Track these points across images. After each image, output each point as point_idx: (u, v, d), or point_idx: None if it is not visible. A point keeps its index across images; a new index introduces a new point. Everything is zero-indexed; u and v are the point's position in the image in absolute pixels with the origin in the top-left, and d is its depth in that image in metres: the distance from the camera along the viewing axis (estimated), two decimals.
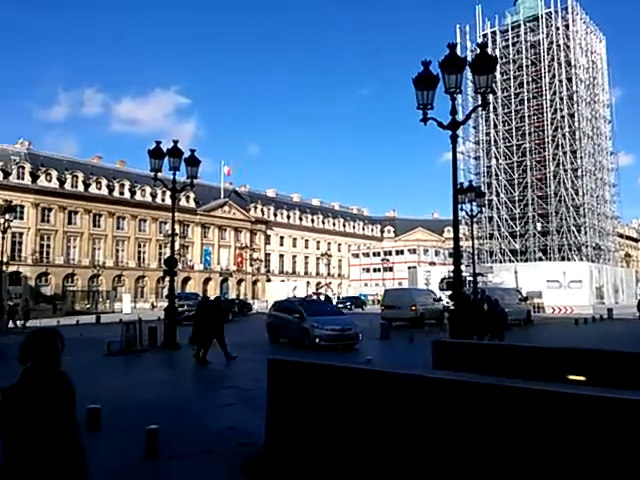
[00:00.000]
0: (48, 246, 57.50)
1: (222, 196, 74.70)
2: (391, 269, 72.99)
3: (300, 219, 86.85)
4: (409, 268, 62.44)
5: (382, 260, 72.52)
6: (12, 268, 50.82)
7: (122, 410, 7.43)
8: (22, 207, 54.10)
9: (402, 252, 77.21)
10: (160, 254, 64.59)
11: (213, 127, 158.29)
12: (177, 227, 22.20)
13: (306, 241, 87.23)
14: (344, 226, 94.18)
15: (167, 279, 20.88)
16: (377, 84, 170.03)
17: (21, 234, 54.57)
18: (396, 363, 11.46)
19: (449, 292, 17.53)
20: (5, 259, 33.55)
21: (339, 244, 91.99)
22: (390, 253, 77.11)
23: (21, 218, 52.84)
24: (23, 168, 56.94)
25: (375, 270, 77.16)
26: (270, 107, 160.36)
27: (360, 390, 4.21)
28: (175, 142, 17.15)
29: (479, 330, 15.15)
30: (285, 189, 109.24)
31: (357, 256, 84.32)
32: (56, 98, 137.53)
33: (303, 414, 4.54)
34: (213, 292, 68.60)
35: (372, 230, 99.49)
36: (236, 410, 7.46)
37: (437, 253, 76.39)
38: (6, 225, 26.14)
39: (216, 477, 4.67)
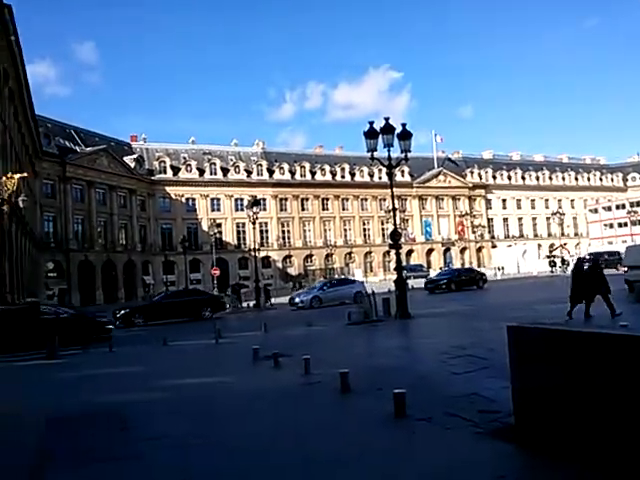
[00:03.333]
0: (288, 232, 65.53)
1: (436, 166, 73.91)
2: None
3: (522, 178, 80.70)
4: None
5: (629, 213, 62.68)
6: (262, 253, 59.63)
7: (366, 373, 8.12)
8: (264, 200, 62.22)
9: None
10: (383, 230, 67.57)
11: (424, 96, 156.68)
12: (395, 202, 22.86)
13: (532, 201, 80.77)
14: (576, 179, 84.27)
15: (393, 252, 21.72)
16: (606, 13, 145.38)
17: (266, 223, 63.23)
18: None
19: None
20: (256, 246, 39.31)
21: (572, 200, 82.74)
22: (639, 204, 66.12)
23: (264, 209, 60.80)
24: (261, 166, 65.75)
25: (620, 225, 67.21)
26: (482, 60, 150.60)
27: (617, 356, 3.86)
28: (387, 119, 17.60)
29: None
30: (502, 149, 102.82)
31: (596, 211, 74.61)
32: (283, 97, 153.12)
33: (552, 382, 4.37)
34: (437, 263, 68.88)
35: (612, 180, 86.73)
36: (474, 378, 7.48)
37: None
38: (255, 217, 30.52)
39: (467, 441, 4.81)
